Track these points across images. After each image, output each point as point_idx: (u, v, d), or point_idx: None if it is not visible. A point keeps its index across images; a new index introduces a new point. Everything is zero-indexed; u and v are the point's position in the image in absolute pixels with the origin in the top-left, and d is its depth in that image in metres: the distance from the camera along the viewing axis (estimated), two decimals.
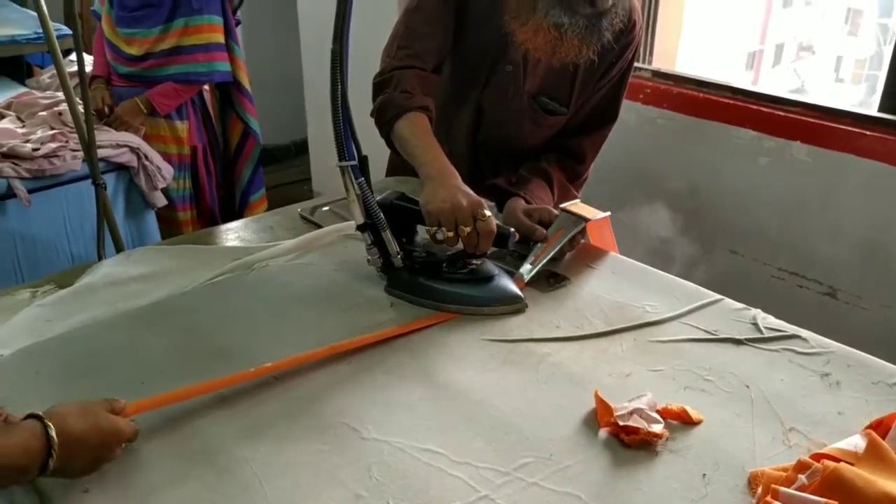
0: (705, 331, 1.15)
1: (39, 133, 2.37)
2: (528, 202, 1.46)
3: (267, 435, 0.93)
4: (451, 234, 1.18)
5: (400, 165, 1.63)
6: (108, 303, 1.21)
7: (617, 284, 1.29)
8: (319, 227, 1.48)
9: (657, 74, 2.43)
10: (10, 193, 2.21)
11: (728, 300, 1.23)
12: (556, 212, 1.37)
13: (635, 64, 2.43)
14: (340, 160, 1.16)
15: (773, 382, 1.04)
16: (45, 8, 1.85)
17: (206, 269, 1.30)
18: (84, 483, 0.84)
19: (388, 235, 1.21)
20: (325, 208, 1.59)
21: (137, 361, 1.07)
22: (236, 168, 3.00)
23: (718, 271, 2.37)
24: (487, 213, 1.19)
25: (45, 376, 1.02)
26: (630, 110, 2.44)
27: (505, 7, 1.41)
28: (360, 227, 1.21)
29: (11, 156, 2.23)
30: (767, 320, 1.17)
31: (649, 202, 2.50)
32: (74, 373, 1.03)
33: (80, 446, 0.80)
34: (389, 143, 1.47)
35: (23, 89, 2.90)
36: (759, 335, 1.13)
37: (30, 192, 2.24)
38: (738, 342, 1.12)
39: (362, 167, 1.18)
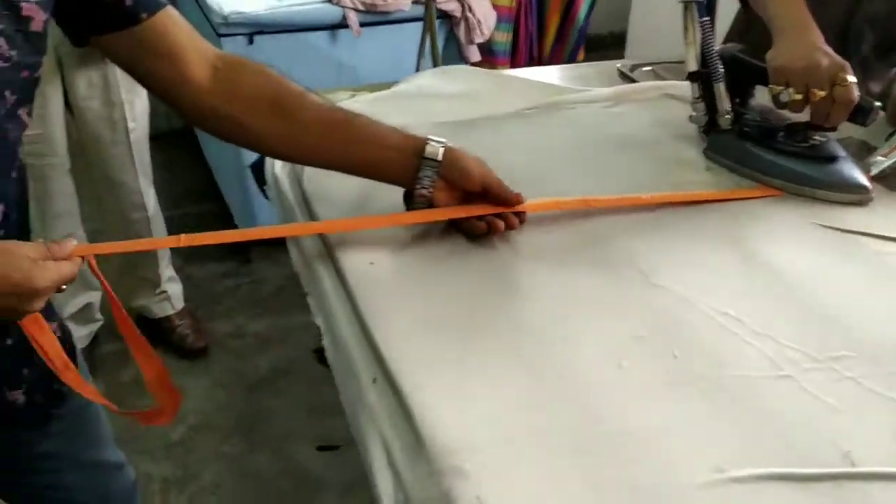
0: None
1: None
2: None
3: (553, 263, 0.88)
4: (799, 96, 1.00)
5: (743, 33, 1.44)
6: (419, 113, 1.21)
7: None
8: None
9: None
10: (344, 24, 2.35)
11: None
12: None
13: None
14: None
15: None
16: None
17: (516, 99, 1.26)
18: (370, 256, 0.86)
19: (720, 88, 1.07)
20: (647, 68, 1.47)
21: None
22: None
23: None
24: (851, 78, 0.99)
25: None
26: None
27: None
28: (690, 76, 1.09)
29: None
30: None
31: None
32: None
33: None
34: None
35: None
36: None
37: (361, 24, 2.36)
38: None
39: (710, 5, 1.04)
